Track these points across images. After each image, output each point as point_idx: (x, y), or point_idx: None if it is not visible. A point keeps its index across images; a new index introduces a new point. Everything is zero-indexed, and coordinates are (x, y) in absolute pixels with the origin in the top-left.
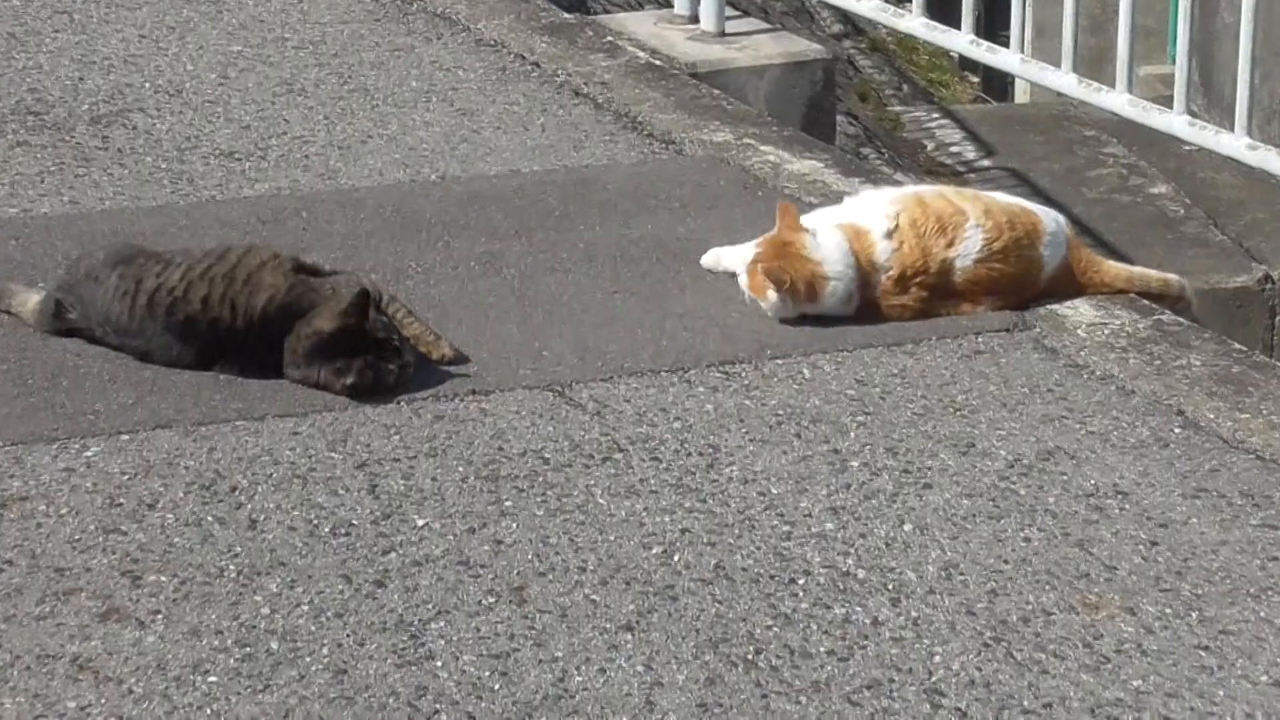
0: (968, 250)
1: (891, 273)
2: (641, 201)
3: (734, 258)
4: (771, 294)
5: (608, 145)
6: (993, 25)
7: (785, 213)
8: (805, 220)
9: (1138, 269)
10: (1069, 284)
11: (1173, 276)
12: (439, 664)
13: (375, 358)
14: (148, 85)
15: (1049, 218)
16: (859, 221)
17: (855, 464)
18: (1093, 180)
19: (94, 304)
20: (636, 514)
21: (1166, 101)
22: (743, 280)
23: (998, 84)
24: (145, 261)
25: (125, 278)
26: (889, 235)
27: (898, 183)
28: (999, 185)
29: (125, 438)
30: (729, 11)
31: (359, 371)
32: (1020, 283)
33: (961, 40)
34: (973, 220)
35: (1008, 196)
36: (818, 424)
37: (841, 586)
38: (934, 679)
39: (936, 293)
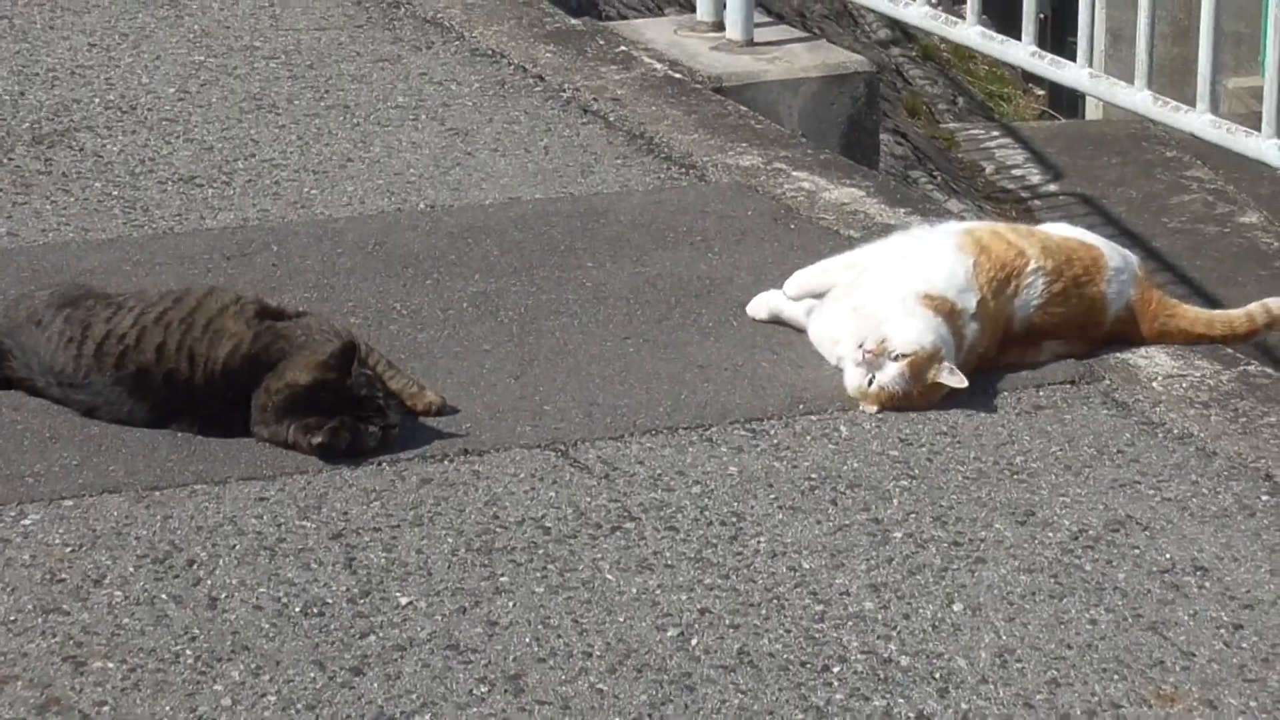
0: (1028, 299)
1: (980, 347)
2: (658, 235)
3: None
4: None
5: (620, 170)
6: (1062, 32)
7: None
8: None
9: (1219, 312)
10: (1137, 328)
11: (1255, 307)
12: None
13: (354, 417)
14: (97, 100)
15: (1113, 252)
16: (935, 289)
17: (898, 535)
18: (1174, 208)
19: (35, 351)
20: (650, 591)
21: (1256, 120)
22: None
23: (1067, 97)
24: (93, 304)
25: (71, 322)
26: (976, 316)
27: (949, 212)
28: (1067, 213)
29: (68, 504)
30: (759, 18)
31: (331, 432)
32: (1083, 324)
33: (1022, 52)
34: (1034, 263)
35: (1068, 228)
36: (856, 489)
37: (882, 675)
38: None
39: (1000, 342)
